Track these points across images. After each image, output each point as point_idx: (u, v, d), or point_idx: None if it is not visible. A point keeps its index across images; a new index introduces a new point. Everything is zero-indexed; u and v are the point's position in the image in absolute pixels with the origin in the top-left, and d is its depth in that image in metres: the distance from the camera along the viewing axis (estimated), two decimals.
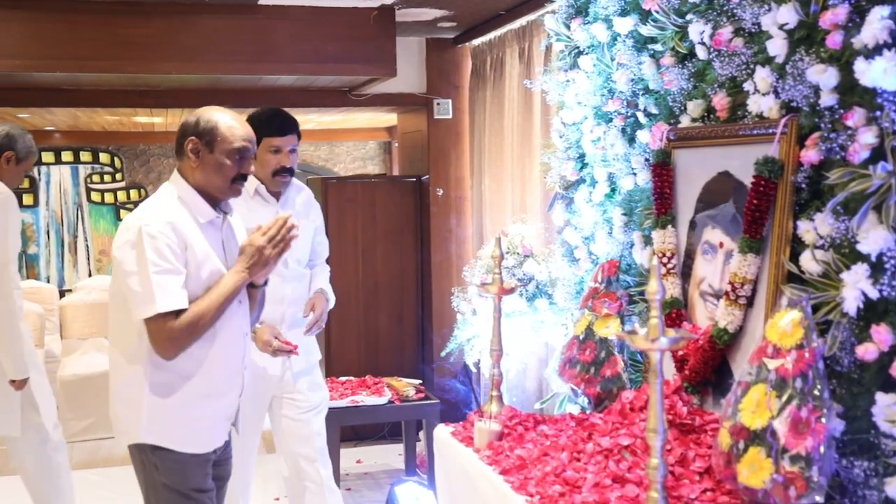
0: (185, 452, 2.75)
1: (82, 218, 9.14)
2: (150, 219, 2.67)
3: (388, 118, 8.23)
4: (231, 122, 2.77)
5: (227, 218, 2.88)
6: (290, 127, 3.61)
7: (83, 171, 9.13)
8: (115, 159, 9.13)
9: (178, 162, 2.82)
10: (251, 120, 3.35)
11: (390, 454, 5.91)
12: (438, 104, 6.30)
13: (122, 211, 9.07)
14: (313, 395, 3.74)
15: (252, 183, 3.55)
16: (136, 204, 9.03)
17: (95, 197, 9.13)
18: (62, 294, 8.33)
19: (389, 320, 6.31)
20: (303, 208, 3.76)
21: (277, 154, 3.56)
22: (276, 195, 3.65)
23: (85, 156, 9.12)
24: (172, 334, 2.63)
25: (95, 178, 9.11)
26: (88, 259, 9.23)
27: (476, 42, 6.05)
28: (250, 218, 3.25)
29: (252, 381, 3.17)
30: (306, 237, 3.69)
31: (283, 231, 2.75)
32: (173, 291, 2.62)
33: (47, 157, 9.06)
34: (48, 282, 8.98)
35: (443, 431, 3.11)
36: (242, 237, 2.93)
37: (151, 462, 2.76)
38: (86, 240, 9.22)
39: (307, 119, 8.22)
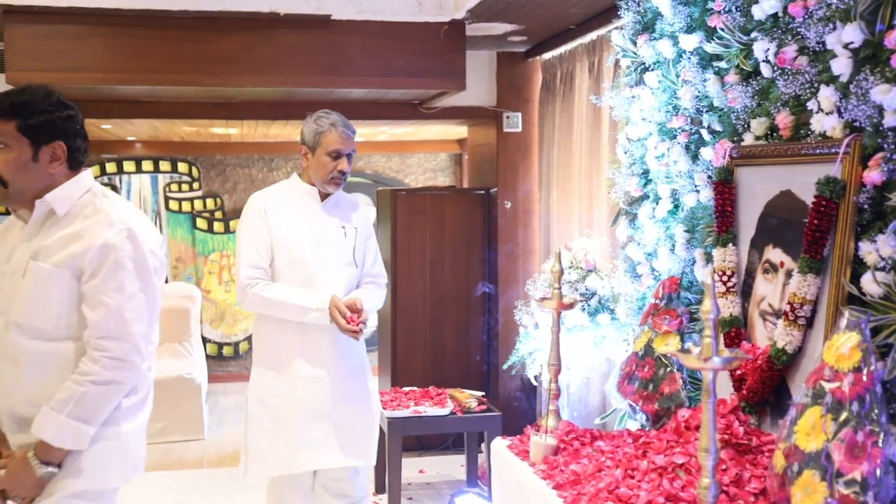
0: None
1: (160, 225, 9.39)
2: None
3: (459, 130, 8.28)
4: None
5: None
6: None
7: (162, 179, 9.39)
8: (193, 169, 9.36)
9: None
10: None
11: (453, 465, 5.94)
12: (508, 117, 6.32)
13: (198, 219, 9.29)
14: None
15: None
16: (211, 213, 9.27)
17: (173, 205, 9.36)
18: None
19: (455, 332, 6.34)
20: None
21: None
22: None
23: (164, 165, 9.37)
24: None
25: (173, 186, 9.35)
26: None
27: (546, 56, 6.06)
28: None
29: None
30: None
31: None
32: None
33: (128, 166, 9.33)
34: None
35: (500, 444, 3.13)
36: None
37: None
38: None
39: (379, 131, 8.32)
